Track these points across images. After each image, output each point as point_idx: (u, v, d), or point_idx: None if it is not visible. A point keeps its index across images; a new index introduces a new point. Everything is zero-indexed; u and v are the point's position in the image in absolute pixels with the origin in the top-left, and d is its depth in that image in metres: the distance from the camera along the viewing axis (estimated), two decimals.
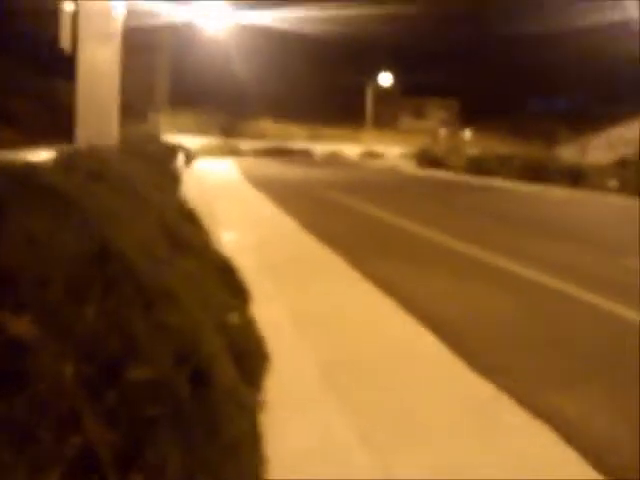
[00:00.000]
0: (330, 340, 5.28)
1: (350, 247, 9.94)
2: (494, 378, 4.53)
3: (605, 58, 53.43)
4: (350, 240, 11.07)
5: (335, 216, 15.09)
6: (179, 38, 36.17)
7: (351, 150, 52.91)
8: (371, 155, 53.19)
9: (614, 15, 40.69)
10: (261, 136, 51.29)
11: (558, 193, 23.12)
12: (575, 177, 25.04)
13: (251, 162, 37.83)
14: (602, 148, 50.24)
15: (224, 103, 48.57)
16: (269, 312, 5.45)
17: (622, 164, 29.62)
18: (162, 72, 32.62)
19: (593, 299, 7.30)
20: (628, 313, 6.70)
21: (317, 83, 54.61)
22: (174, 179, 13.51)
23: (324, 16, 41.06)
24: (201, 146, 39.58)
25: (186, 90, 40.96)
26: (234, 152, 43.38)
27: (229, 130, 48.30)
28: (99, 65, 15.19)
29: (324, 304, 6.48)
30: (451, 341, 5.40)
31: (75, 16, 15.84)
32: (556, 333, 6.09)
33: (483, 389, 4.38)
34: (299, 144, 51.67)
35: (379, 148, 54.75)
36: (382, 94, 60.77)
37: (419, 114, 67.06)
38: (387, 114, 61.39)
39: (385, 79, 60.89)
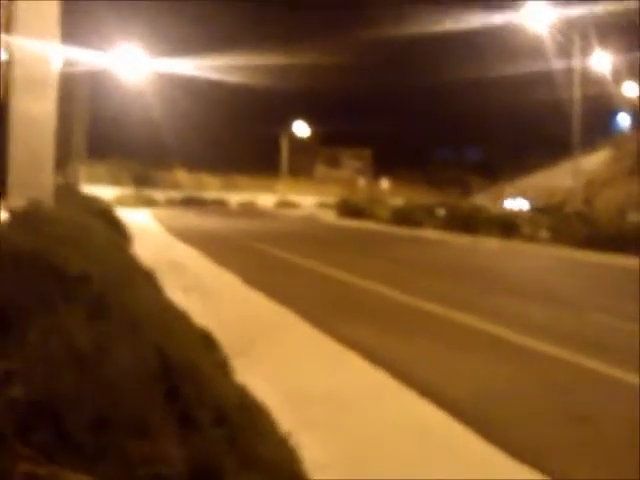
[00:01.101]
0: None
1: (301, 304, 9.33)
2: None
3: (513, 109, 55.18)
4: (298, 297, 10.31)
5: (273, 271, 14.30)
6: (94, 86, 35.00)
7: (266, 200, 52.46)
8: (287, 204, 52.90)
9: (524, 67, 41.96)
10: (175, 186, 50.30)
11: (493, 244, 23.01)
12: (505, 227, 25.14)
13: (167, 213, 36.78)
14: (514, 197, 51.67)
15: (138, 153, 47.45)
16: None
17: (544, 213, 30.27)
18: (80, 121, 31.35)
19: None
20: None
21: (232, 133, 54.08)
22: (125, 236, 12.56)
23: (241, 65, 40.74)
24: (115, 197, 38.21)
25: (99, 139, 39.65)
26: (148, 203, 42.19)
27: (143, 180, 47.07)
28: (34, 115, 14.17)
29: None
30: None
31: (8, 64, 14.75)
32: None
33: None
34: (213, 194, 50.91)
35: (294, 198, 54.56)
36: (297, 144, 60.89)
37: (334, 163, 67.49)
38: (302, 164, 61.49)
39: (299, 128, 60.99)
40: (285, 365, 6.30)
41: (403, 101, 60.78)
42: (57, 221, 9.29)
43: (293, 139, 60.70)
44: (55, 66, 15.27)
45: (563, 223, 24.20)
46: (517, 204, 42.25)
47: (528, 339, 7.71)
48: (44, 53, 14.27)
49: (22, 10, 13.96)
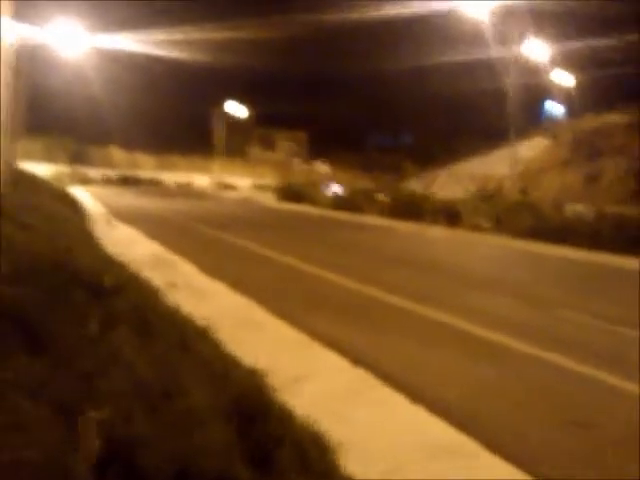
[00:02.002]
0: None
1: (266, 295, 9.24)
2: None
3: (448, 95, 55.91)
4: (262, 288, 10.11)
5: (221, 256, 14.17)
6: (32, 62, 33.90)
7: (202, 180, 52.01)
8: (224, 186, 52.56)
9: (462, 54, 42.44)
10: (110, 164, 49.40)
11: (438, 232, 23.15)
12: (449, 215, 25.46)
13: (104, 192, 36.12)
14: (449, 183, 52.44)
15: (73, 130, 46.27)
16: None
17: (483, 200, 30.70)
18: (19, 97, 30.38)
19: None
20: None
21: (167, 111, 53.21)
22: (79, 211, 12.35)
23: (179, 41, 40.12)
24: (50, 174, 37.29)
25: (35, 115, 38.51)
26: (84, 181, 41.39)
27: (78, 157, 46.07)
28: None
29: None
30: None
31: None
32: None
33: None
34: (149, 173, 50.20)
35: (229, 179, 54.25)
36: (232, 124, 60.30)
37: (268, 145, 67.21)
38: (237, 144, 60.98)
39: (235, 108, 60.37)
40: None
41: (341, 85, 60.96)
42: (31, 210, 9.07)
43: (228, 119, 60.11)
44: (8, 42, 14.87)
45: (505, 213, 24.50)
46: (333, 189, 42.78)
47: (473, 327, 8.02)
48: None
49: None
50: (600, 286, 12.69)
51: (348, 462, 3.07)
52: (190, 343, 3.20)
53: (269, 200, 40.16)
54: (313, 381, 5.24)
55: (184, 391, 2.61)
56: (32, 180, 16.16)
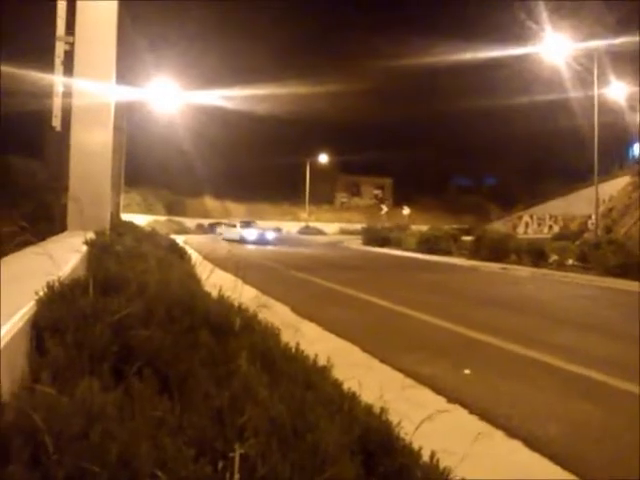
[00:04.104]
0: None
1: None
2: None
3: (529, 137, 55.62)
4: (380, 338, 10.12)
5: (334, 304, 13.90)
6: (129, 118, 35.81)
7: (290, 226, 53.16)
8: (311, 231, 53.59)
9: (542, 96, 42.39)
10: (203, 213, 51.16)
11: (524, 272, 23.03)
12: (534, 255, 25.41)
13: (199, 239, 37.34)
14: (533, 223, 52.08)
15: (168, 181, 48.34)
16: None
17: (567, 239, 30.45)
18: (121, 152, 32.13)
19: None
20: None
21: (255, 161, 54.87)
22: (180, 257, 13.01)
23: (265, 95, 41.65)
24: (148, 224, 38.87)
25: (132, 169, 40.45)
26: (180, 229, 42.96)
27: (173, 208, 48.03)
28: (92, 147, 14.80)
29: None
30: None
31: (67, 99, 15.47)
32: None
33: None
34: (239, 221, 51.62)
35: (316, 224, 55.27)
36: (318, 171, 61.57)
37: (354, 191, 68.11)
38: (322, 191, 62.15)
39: (319, 156, 61.76)
40: None
41: (421, 130, 61.41)
42: (140, 256, 9.75)
43: (314, 167, 61.49)
44: (112, 101, 16.03)
45: (591, 251, 24.33)
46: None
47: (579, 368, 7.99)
48: (102, 89, 15.01)
49: (81, 49, 14.72)
50: None
51: None
52: (313, 381, 3.32)
53: (356, 244, 40.76)
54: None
55: (312, 427, 2.66)
56: (135, 229, 17.14)
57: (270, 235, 40.98)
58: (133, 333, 3.15)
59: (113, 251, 9.49)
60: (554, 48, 34.71)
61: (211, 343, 3.42)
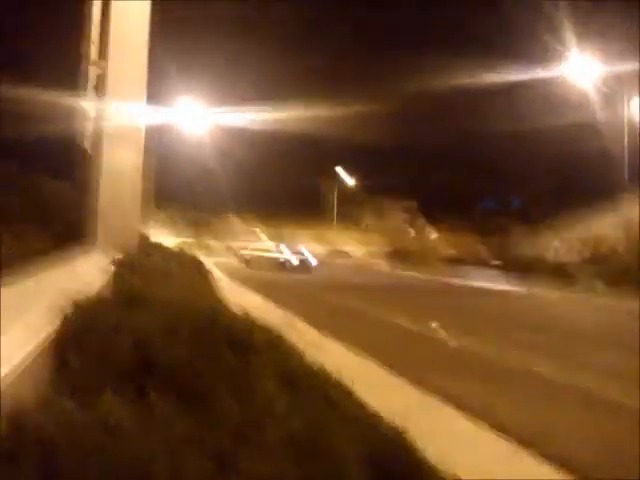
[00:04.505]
0: None
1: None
2: None
3: (556, 158, 55.29)
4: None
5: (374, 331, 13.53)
6: (159, 138, 36.35)
7: (316, 248, 53.13)
8: (338, 254, 53.59)
9: (569, 117, 42.16)
10: (228, 233, 51.40)
11: (554, 296, 22.72)
12: (563, 278, 25.26)
13: (225, 260, 37.60)
14: (561, 246, 51.54)
15: (194, 201, 48.76)
16: None
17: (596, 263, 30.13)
18: (150, 174, 32.55)
19: None
20: None
21: (281, 182, 55.07)
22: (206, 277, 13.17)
23: (291, 116, 41.87)
24: (174, 244, 39.18)
25: (159, 188, 40.91)
26: (206, 249, 43.25)
27: (199, 228, 48.40)
28: (123, 168, 15.00)
29: None
30: None
31: (98, 120, 15.70)
32: None
33: None
34: (265, 244, 51.77)
35: (344, 247, 55.33)
36: (343, 194, 61.71)
37: (380, 213, 68.01)
38: (347, 213, 62.22)
39: (344, 178, 61.96)
40: None
41: (448, 152, 61.19)
42: (166, 275, 9.85)
43: (339, 189, 61.69)
44: (142, 124, 16.26)
45: (621, 274, 24.11)
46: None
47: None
48: (133, 112, 15.24)
49: (114, 73, 14.97)
50: None
51: None
52: (335, 399, 3.30)
53: (383, 267, 40.64)
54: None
55: (332, 444, 2.67)
56: (162, 249, 17.36)
57: (314, 261, 37.06)
58: (155, 349, 3.18)
59: (139, 270, 9.62)
60: (581, 69, 34.70)
61: (235, 359, 3.42)
